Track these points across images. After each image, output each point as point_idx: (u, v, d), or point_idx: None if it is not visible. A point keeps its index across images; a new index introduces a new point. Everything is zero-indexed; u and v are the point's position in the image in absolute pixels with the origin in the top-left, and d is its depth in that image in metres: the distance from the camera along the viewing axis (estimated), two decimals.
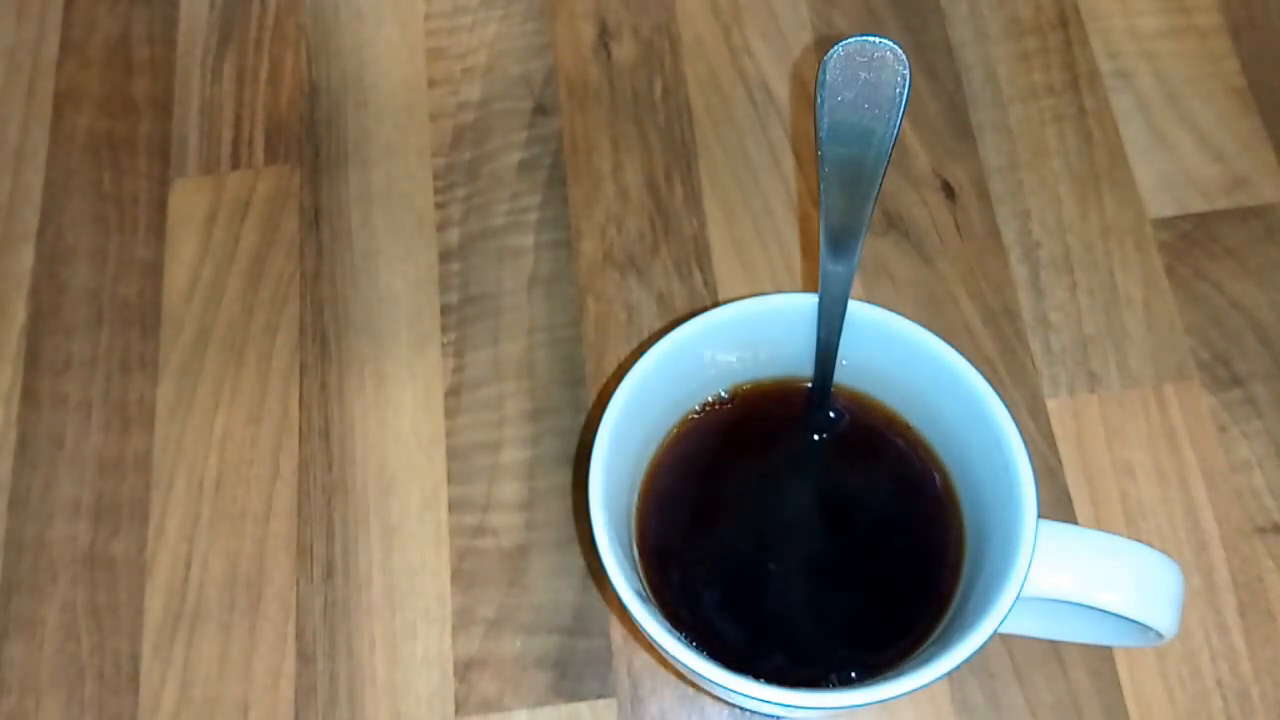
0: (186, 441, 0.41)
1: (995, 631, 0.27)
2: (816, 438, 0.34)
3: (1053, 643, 0.36)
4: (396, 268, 0.43)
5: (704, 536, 0.33)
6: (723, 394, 0.35)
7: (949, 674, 0.27)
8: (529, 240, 0.43)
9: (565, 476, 0.40)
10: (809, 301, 0.32)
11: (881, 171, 0.28)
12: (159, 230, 0.44)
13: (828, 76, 0.27)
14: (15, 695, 0.37)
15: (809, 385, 0.34)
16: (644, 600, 0.29)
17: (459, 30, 0.47)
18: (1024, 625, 0.33)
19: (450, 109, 0.46)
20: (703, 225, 0.43)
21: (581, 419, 0.40)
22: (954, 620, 0.31)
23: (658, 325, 0.42)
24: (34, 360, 0.42)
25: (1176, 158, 0.43)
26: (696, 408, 0.35)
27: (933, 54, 0.46)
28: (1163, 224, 0.42)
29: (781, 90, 0.45)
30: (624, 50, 0.46)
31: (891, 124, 0.27)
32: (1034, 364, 0.40)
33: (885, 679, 0.28)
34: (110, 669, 0.38)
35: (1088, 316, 0.41)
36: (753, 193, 0.44)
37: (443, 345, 0.42)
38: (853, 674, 0.31)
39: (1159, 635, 0.29)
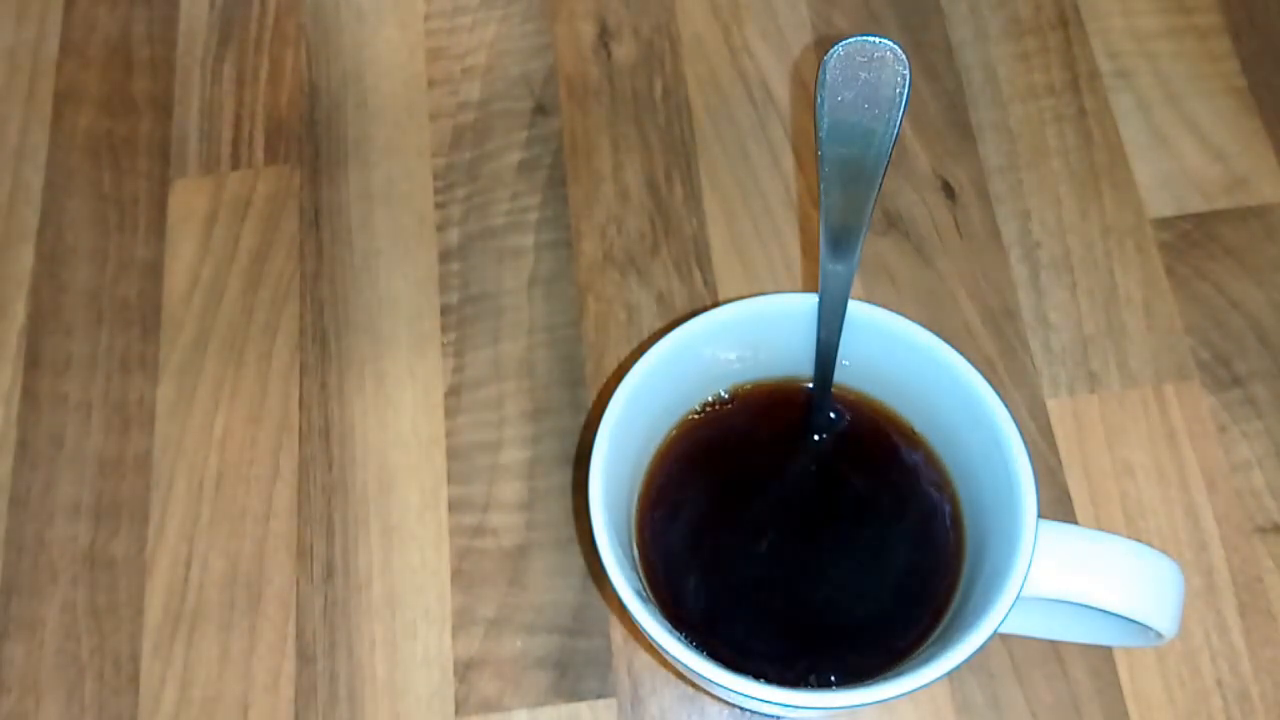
0: (186, 441, 0.41)
1: (995, 631, 0.27)
2: (816, 438, 0.34)
3: (1053, 643, 0.36)
4: (396, 268, 0.43)
5: (704, 537, 0.33)
6: (723, 394, 0.35)
7: (949, 674, 0.27)
8: (529, 240, 0.43)
9: (565, 476, 0.40)
10: (809, 301, 0.32)
11: (881, 171, 0.28)
12: (159, 230, 0.44)
13: (828, 76, 0.27)
14: (15, 695, 0.37)
15: (809, 385, 0.34)
16: (644, 600, 0.29)
17: (459, 30, 0.47)
18: (1024, 625, 0.33)
19: (450, 109, 0.46)
20: (703, 225, 0.43)
21: (581, 419, 0.40)
22: (954, 620, 0.31)
23: (658, 325, 0.42)
24: (34, 360, 0.42)
25: (1176, 158, 0.43)
26: (696, 408, 0.35)
27: (933, 54, 0.46)
28: (1163, 224, 0.42)
29: (781, 90, 0.45)
30: (624, 50, 0.46)
31: (891, 124, 0.27)
32: (1034, 364, 0.40)
33: (885, 679, 0.28)
34: (110, 669, 0.38)
35: (1088, 316, 0.41)
36: (753, 192, 0.44)
37: (443, 345, 0.42)
38: (853, 674, 0.31)
39: (1159, 635, 0.29)
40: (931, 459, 0.33)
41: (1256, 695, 0.36)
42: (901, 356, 0.32)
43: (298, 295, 0.43)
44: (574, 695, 0.37)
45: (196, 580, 0.39)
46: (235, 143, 0.46)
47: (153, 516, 0.40)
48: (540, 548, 0.39)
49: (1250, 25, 0.45)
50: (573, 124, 0.45)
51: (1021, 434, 0.29)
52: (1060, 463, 0.39)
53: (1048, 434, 0.39)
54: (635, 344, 0.41)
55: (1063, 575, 0.29)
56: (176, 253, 0.44)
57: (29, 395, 0.42)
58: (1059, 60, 0.45)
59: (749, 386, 0.35)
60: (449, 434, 0.40)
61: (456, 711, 0.37)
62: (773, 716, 0.35)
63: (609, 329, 0.42)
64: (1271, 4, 0.46)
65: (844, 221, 0.29)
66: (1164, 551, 0.30)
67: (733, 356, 0.34)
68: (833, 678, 0.31)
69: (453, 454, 0.40)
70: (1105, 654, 0.36)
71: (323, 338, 0.42)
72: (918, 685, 0.27)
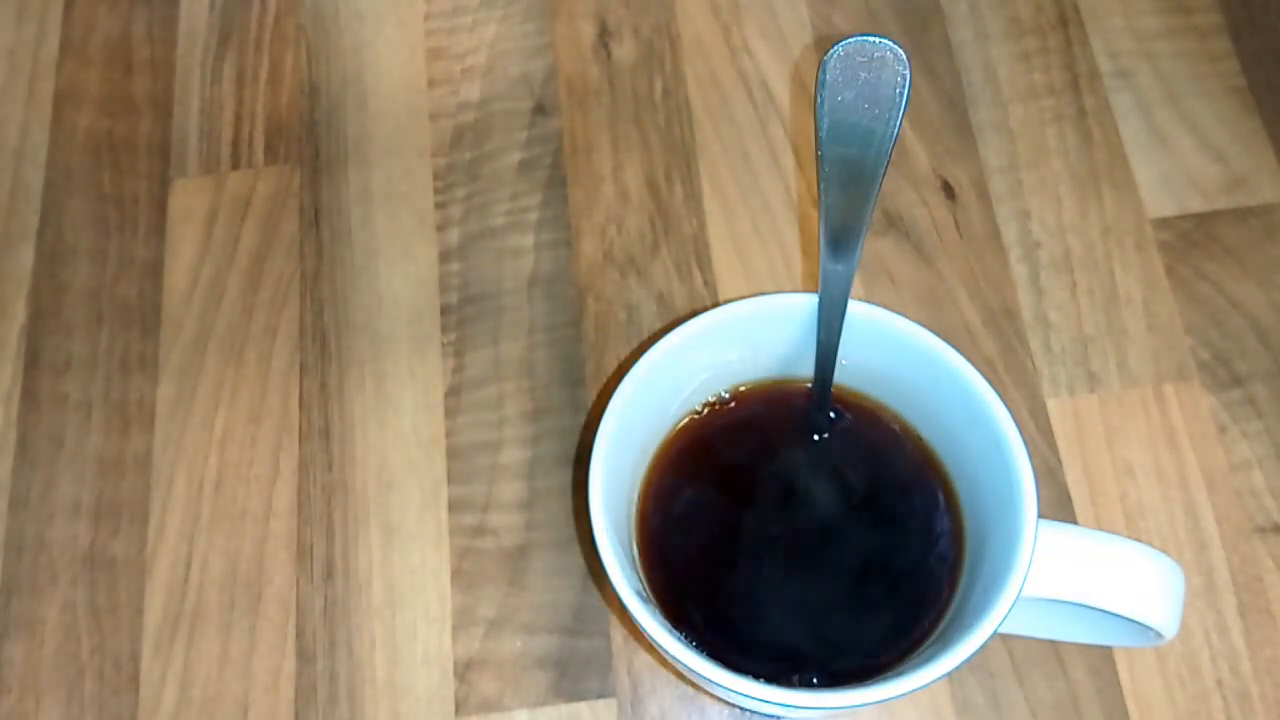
0: (186, 441, 0.41)
1: (995, 631, 0.27)
2: (816, 438, 0.34)
3: (1053, 643, 0.36)
4: (396, 268, 0.43)
5: (704, 536, 0.33)
6: (723, 394, 0.35)
7: (949, 674, 0.27)
8: (529, 240, 0.43)
9: (565, 476, 0.40)
10: (809, 301, 0.32)
11: (881, 171, 0.28)
12: (159, 230, 0.44)
13: (828, 76, 0.27)
14: (15, 695, 0.37)
15: (809, 385, 0.34)
16: (644, 600, 0.29)
17: (459, 30, 0.47)
18: (1024, 625, 0.33)
19: (450, 109, 0.46)
20: (703, 225, 0.43)
21: (581, 419, 0.40)
22: (954, 620, 0.31)
23: (658, 325, 0.42)
24: (34, 360, 0.42)
25: (1176, 158, 0.43)
26: (697, 407, 0.35)
27: (933, 54, 0.46)
28: (1163, 224, 0.42)
29: (781, 90, 0.45)
30: (624, 50, 0.46)
31: (891, 124, 0.27)
32: (1034, 364, 0.40)
33: (885, 679, 0.28)
34: (110, 669, 0.38)
35: (1088, 316, 0.41)
36: (753, 192, 0.44)
37: (443, 345, 0.42)
38: (853, 674, 0.31)
39: (1159, 635, 0.29)
40: (931, 459, 0.33)
41: (1256, 695, 0.36)
42: (901, 356, 0.32)
43: (298, 295, 0.43)
44: (574, 695, 0.37)
45: (196, 580, 0.39)
46: (235, 143, 0.46)
47: (153, 516, 0.40)
48: (540, 548, 0.39)
49: (1250, 25, 0.45)
50: (573, 124, 0.45)
51: (1021, 434, 0.29)
52: (1060, 463, 0.39)
53: (1048, 434, 0.39)
54: (635, 344, 0.41)
55: (1063, 575, 0.29)
56: (176, 253, 0.44)
57: (29, 395, 0.42)
58: (1059, 60, 0.45)
59: (749, 386, 0.35)
60: (449, 434, 0.40)
61: (456, 711, 0.37)
62: (773, 716, 0.35)
63: (609, 329, 0.42)
64: (1271, 4, 0.46)
65: (844, 221, 0.29)
66: (1164, 551, 0.30)
67: (733, 356, 0.34)
68: (832, 678, 0.31)
69: (453, 454, 0.40)
70: (1105, 654, 0.36)
71: (323, 338, 0.42)
72: (918, 685, 0.27)
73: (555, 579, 0.38)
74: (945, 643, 0.28)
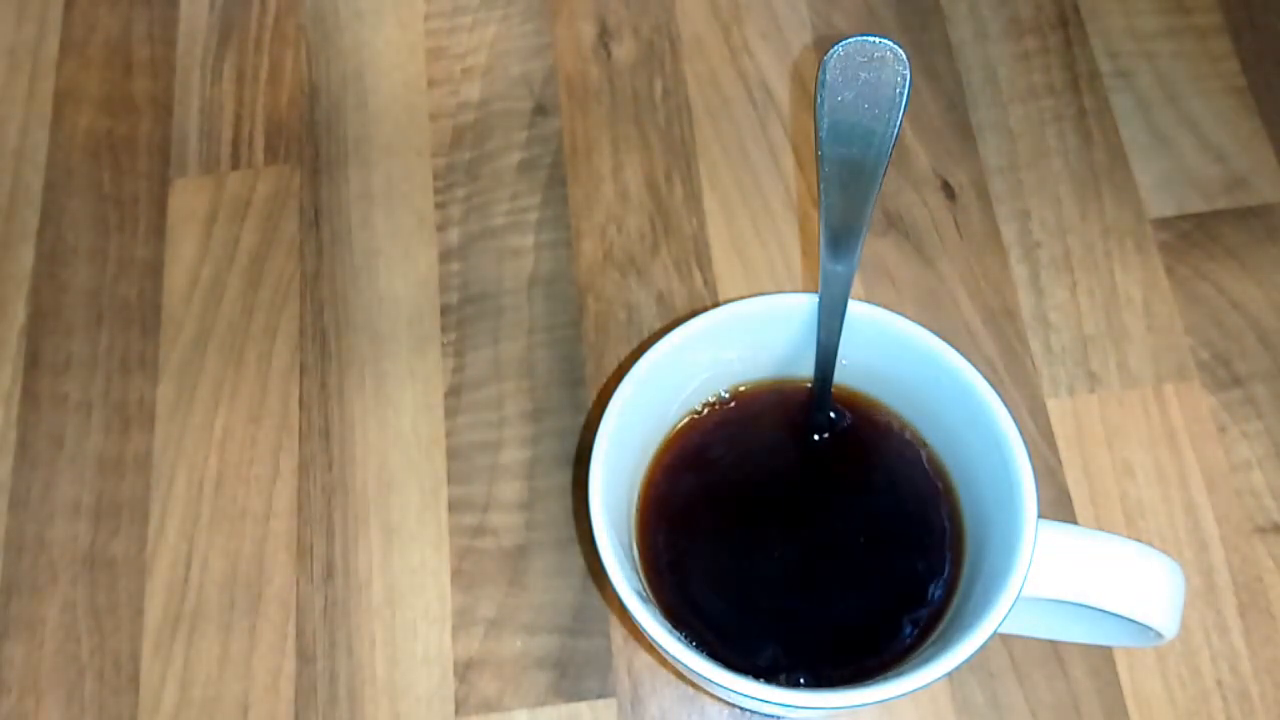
0: (186, 441, 0.41)
1: (995, 631, 0.27)
2: (816, 438, 0.34)
3: (1053, 643, 0.36)
4: (396, 268, 0.43)
5: (704, 536, 0.33)
6: (723, 394, 0.35)
7: (949, 674, 0.27)
8: (529, 240, 0.43)
9: (565, 476, 0.40)
10: (809, 301, 0.32)
11: (881, 171, 0.28)
12: (159, 230, 0.44)
13: (828, 76, 0.27)
14: (15, 695, 0.37)
15: (809, 385, 0.34)
16: (644, 600, 0.29)
17: (459, 30, 0.47)
18: (1024, 625, 0.33)
19: (450, 109, 0.46)
20: (703, 225, 0.43)
21: (581, 419, 0.40)
22: (954, 620, 0.31)
23: (658, 325, 0.42)
24: (34, 360, 0.42)
25: (1176, 158, 0.43)
26: (697, 407, 0.35)
27: (933, 54, 0.46)
28: (1163, 224, 0.42)
29: (781, 90, 0.45)
30: (624, 50, 0.46)
31: (891, 124, 0.27)
32: (1034, 364, 0.40)
33: (885, 679, 0.28)
34: (110, 669, 0.38)
35: (1088, 316, 0.41)
36: (753, 192, 0.44)
37: (443, 345, 0.42)
38: (853, 674, 0.31)
39: (1159, 635, 0.29)
40: (931, 459, 0.33)
41: (1256, 695, 0.36)
42: (901, 356, 0.32)
43: (298, 295, 0.43)
44: (574, 695, 0.37)
45: (196, 580, 0.39)
46: (235, 143, 0.46)
47: (153, 516, 0.40)
48: (540, 548, 0.39)
49: (1250, 25, 0.45)
50: (573, 124, 0.45)
51: (1021, 434, 0.29)
52: (1060, 463, 0.39)
53: (1048, 434, 0.39)
54: (635, 344, 0.41)
55: (1063, 575, 0.29)
56: (176, 253, 0.44)
57: (29, 395, 0.42)
58: (1059, 60, 0.45)
59: (749, 386, 0.35)
60: (449, 434, 0.40)
61: (456, 711, 0.37)
62: (773, 716, 0.35)
63: (609, 329, 0.42)
64: (1271, 4, 0.46)
65: (844, 221, 0.29)
66: (1164, 551, 0.30)
67: (733, 356, 0.34)
68: (832, 678, 0.31)
69: (453, 454, 0.40)
70: (1105, 654, 0.36)
71: (323, 338, 0.42)
72: (918, 685, 0.27)
73: (555, 579, 0.38)
74: (945, 643, 0.28)
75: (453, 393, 0.41)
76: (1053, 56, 0.45)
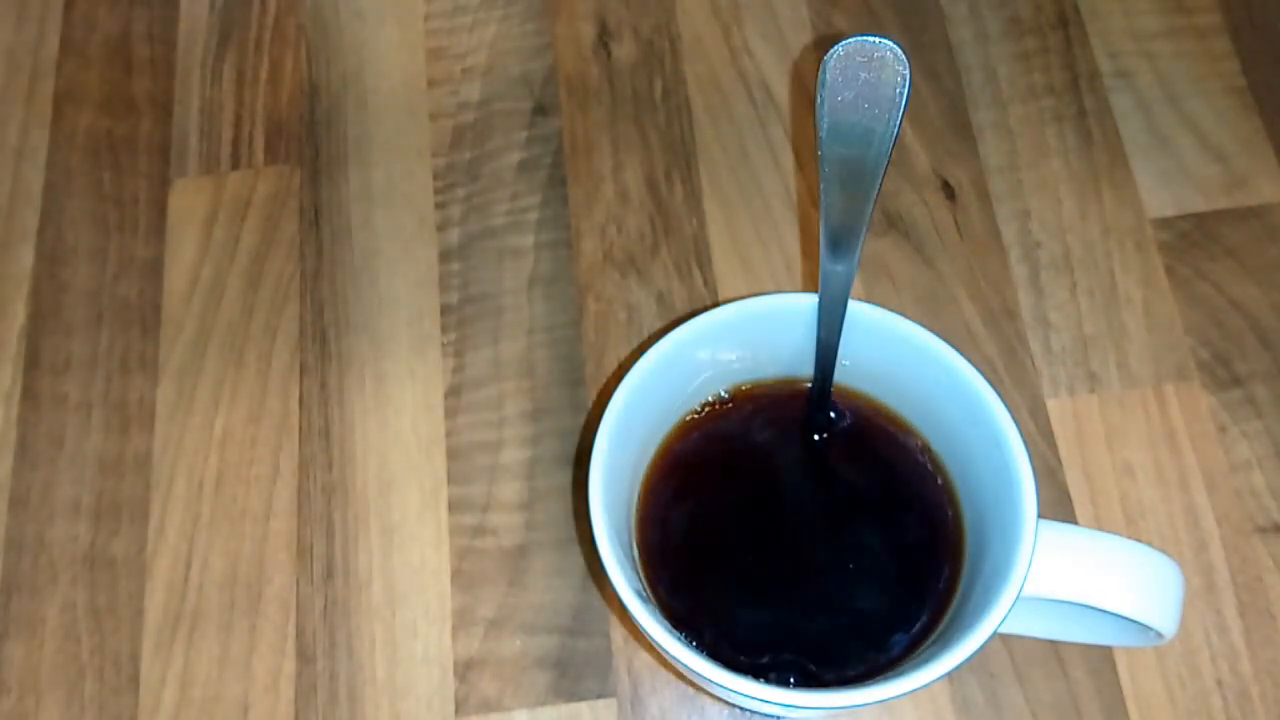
0: (186, 441, 0.41)
1: (995, 631, 0.27)
2: (816, 438, 0.34)
3: (1053, 643, 0.36)
4: (396, 268, 0.43)
5: (704, 536, 0.33)
6: (723, 394, 0.35)
7: (949, 674, 0.27)
8: (529, 240, 0.43)
9: (565, 476, 0.40)
10: (809, 301, 0.32)
11: (881, 171, 0.28)
12: (159, 230, 0.44)
13: (828, 76, 0.27)
14: (15, 695, 0.37)
15: (809, 385, 0.34)
16: (644, 600, 0.29)
17: (459, 30, 0.47)
18: (1024, 625, 0.33)
19: (450, 109, 0.46)
20: (703, 225, 0.43)
21: (581, 419, 0.40)
22: (954, 620, 0.31)
23: (658, 325, 0.42)
24: (34, 360, 0.42)
25: (1176, 158, 0.43)
26: (697, 407, 0.35)
27: (933, 54, 0.46)
28: (1163, 224, 0.42)
29: (781, 90, 0.45)
30: (624, 50, 0.46)
31: (891, 124, 0.27)
32: (1034, 364, 0.40)
33: (885, 679, 0.28)
34: (110, 669, 0.38)
35: (1088, 316, 0.41)
36: (753, 192, 0.44)
37: (443, 345, 0.42)
38: (852, 674, 0.31)
39: (1159, 635, 0.29)
40: (931, 459, 0.33)
41: (1256, 695, 0.36)
42: (901, 356, 0.32)
43: (298, 295, 0.43)
44: (574, 695, 0.37)
45: (196, 580, 0.39)
46: (235, 143, 0.46)
47: (153, 516, 0.40)
48: (540, 548, 0.39)
49: (1250, 25, 0.45)
50: (573, 124, 0.45)
51: (1021, 434, 0.29)
52: (1060, 463, 0.39)
53: (1048, 434, 0.39)
54: (635, 344, 0.41)
55: (1063, 575, 0.29)
56: (176, 253, 0.44)
57: (29, 395, 0.42)
58: (1059, 60, 0.45)
59: (749, 386, 0.35)
60: (449, 434, 0.40)
61: (456, 711, 0.37)
62: (773, 716, 0.35)
63: (609, 329, 0.42)
64: (1271, 4, 0.46)
65: (844, 221, 0.29)
66: (1164, 551, 0.30)
67: (733, 356, 0.34)
68: (832, 678, 0.31)
69: (453, 454, 0.40)
70: (1105, 654, 0.36)
71: (323, 338, 0.42)
72: (918, 685, 0.27)
73: (555, 579, 0.38)
74: (945, 643, 0.28)
75: (453, 393, 0.41)
76: (1053, 56, 0.45)
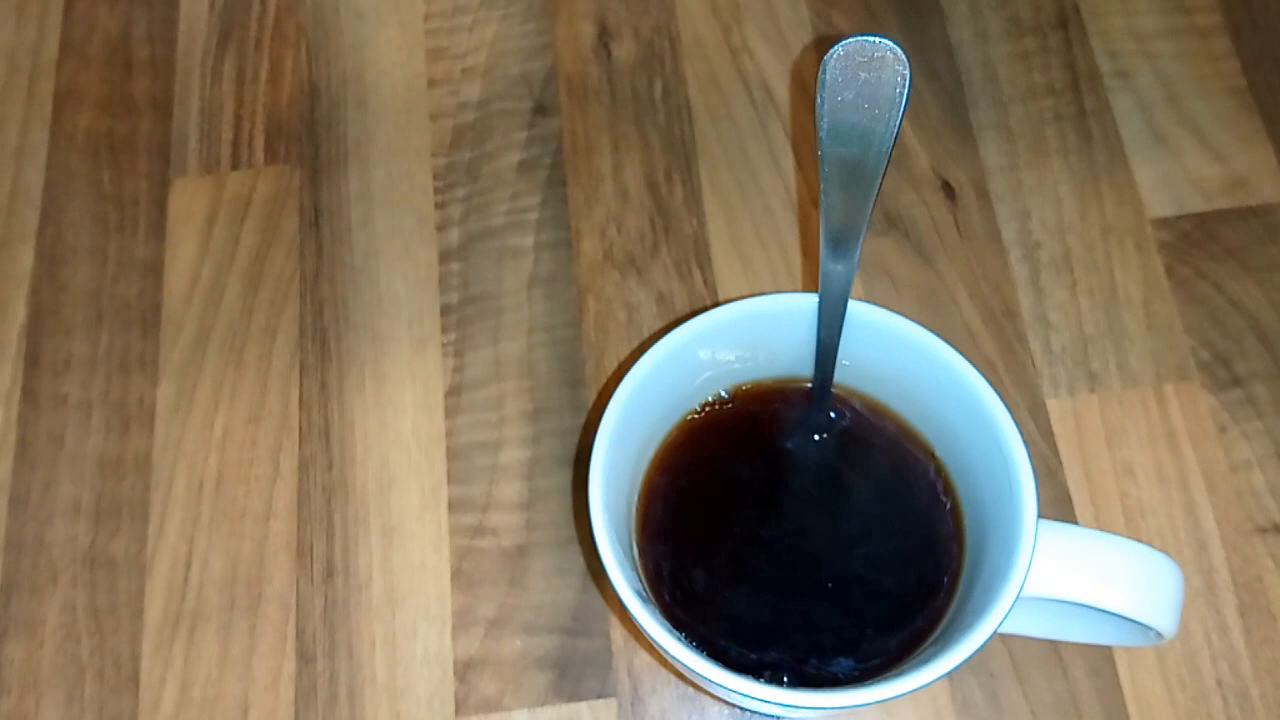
0: (186, 441, 0.41)
1: (995, 631, 0.27)
2: (816, 438, 0.34)
3: (1053, 643, 0.36)
4: (396, 268, 0.43)
5: (704, 537, 0.33)
6: (723, 394, 0.35)
7: (949, 674, 0.27)
8: (529, 240, 0.43)
9: (565, 476, 0.40)
10: (809, 301, 0.32)
11: (881, 171, 0.28)
12: (159, 230, 0.44)
13: (828, 76, 0.27)
14: (15, 695, 0.37)
15: (809, 385, 0.34)
16: (644, 600, 0.29)
17: (459, 30, 0.47)
18: (1024, 625, 0.33)
19: (450, 109, 0.46)
20: (703, 225, 0.43)
21: (581, 419, 0.40)
22: (954, 620, 0.31)
23: (658, 325, 0.42)
24: (34, 360, 0.42)
25: (1176, 158, 0.43)
26: (697, 407, 0.35)
27: (933, 54, 0.46)
28: (1163, 224, 0.42)
29: (781, 90, 0.45)
30: (624, 50, 0.46)
31: (891, 124, 0.27)
32: (1034, 364, 0.40)
33: (885, 679, 0.28)
34: (110, 669, 0.38)
35: (1088, 316, 0.41)
36: (753, 192, 0.44)
37: (443, 345, 0.42)
38: (852, 674, 0.31)
39: (1159, 635, 0.29)
40: (931, 459, 0.33)
41: (1256, 695, 0.36)
42: (901, 356, 0.32)
43: (298, 295, 0.43)
44: (574, 695, 0.37)
45: (196, 580, 0.39)
46: (235, 143, 0.46)
47: (153, 516, 0.40)
48: (540, 548, 0.39)
49: (1250, 25, 0.45)
50: (573, 124, 0.45)
51: (1021, 434, 0.29)
52: (1060, 463, 0.39)
53: (1048, 434, 0.39)
54: (635, 344, 0.41)
55: (1063, 575, 0.29)
56: (176, 253, 0.44)
57: (29, 395, 0.42)
58: (1059, 60, 0.45)
59: (749, 386, 0.35)
60: (449, 434, 0.40)
61: (456, 711, 0.37)
62: (773, 716, 0.35)
63: (609, 329, 0.42)
64: (1271, 4, 0.46)
65: (844, 221, 0.29)
66: (1164, 551, 0.30)
67: (733, 356, 0.34)
68: (832, 678, 0.31)
69: (453, 454, 0.40)
70: (1105, 654, 0.36)
71: (323, 338, 0.42)
72: (918, 685, 0.27)
73: (555, 579, 0.38)
74: (945, 643, 0.28)
75: (453, 393, 0.41)
76: (1053, 56, 0.45)
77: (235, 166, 0.45)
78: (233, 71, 0.47)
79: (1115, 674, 0.36)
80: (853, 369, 0.33)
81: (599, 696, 0.37)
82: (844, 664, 0.31)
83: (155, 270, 0.44)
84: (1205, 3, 0.46)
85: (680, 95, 0.45)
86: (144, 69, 0.47)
